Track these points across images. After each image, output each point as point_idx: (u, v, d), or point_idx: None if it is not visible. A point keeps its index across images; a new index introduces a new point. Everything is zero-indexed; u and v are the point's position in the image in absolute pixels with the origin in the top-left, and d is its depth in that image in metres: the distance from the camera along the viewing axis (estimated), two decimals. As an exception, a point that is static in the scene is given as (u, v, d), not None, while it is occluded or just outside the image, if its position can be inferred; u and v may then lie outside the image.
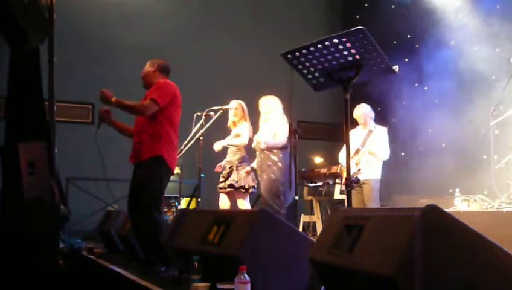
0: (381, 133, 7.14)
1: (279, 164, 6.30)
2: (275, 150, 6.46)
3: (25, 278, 3.19)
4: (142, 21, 11.01)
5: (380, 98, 9.04)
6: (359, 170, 6.79)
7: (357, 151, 6.95)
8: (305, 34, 7.86)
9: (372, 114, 7.24)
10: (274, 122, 6.65)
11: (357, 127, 7.24)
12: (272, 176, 6.27)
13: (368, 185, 6.90)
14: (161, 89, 5.20)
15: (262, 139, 6.55)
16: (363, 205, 6.84)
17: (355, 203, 6.79)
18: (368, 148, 6.95)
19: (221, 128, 7.08)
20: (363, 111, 7.18)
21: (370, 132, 7.10)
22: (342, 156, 7.18)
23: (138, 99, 5.32)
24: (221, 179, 7.00)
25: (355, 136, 6.98)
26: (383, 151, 7.01)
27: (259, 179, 6.66)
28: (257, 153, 6.76)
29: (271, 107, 6.74)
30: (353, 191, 6.74)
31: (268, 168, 6.33)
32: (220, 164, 7.11)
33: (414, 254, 2.09)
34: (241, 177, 6.76)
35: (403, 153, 9.30)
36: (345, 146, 3.75)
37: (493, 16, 8.08)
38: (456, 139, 8.33)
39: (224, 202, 6.93)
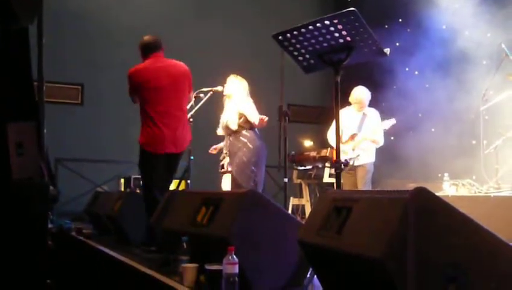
0: (374, 116, 7.03)
1: (250, 145, 6.15)
2: (243, 131, 6.21)
3: (13, 258, 3.18)
4: (137, 1, 10.91)
5: (370, 81, 9.03)
6: (358, 156, 6.70)
7: (353, 137, 6.87)
8: (296, 16, 7.82)
9: (370, 97, 7.11)
10: (239, 102, 6.32)
11: (349, 107, 7.04)
12: (244, 158, 6.11)
13: (363, 168, 6.83)
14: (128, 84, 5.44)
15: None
16: (356, 187, 6.79)
17: (348, 186, 6.77)
18: (366, 134, 6.83)
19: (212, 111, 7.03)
20: (365, 96, 7.00)
21: (364, 115, 6.97)
22: (331, 135, 7.04)
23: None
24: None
25: (347, 117, 6.84)
26: (381, 137, 6.93)
27: (229, 162, 6.48)
28: (225, 136, 6.44)
29: (236, 87, 6.42)
30: (346, 174, 6.78)
31: (239, 151, 6.17)
32: (215, 146, 7.03)
33: (403, 236, 2.09)
34: None
35: (392, 138, 9.32)
36: (333, 125, 3.73)
37: (485, 1, 8.08)
38: (445, 124, 8.35)
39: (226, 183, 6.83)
